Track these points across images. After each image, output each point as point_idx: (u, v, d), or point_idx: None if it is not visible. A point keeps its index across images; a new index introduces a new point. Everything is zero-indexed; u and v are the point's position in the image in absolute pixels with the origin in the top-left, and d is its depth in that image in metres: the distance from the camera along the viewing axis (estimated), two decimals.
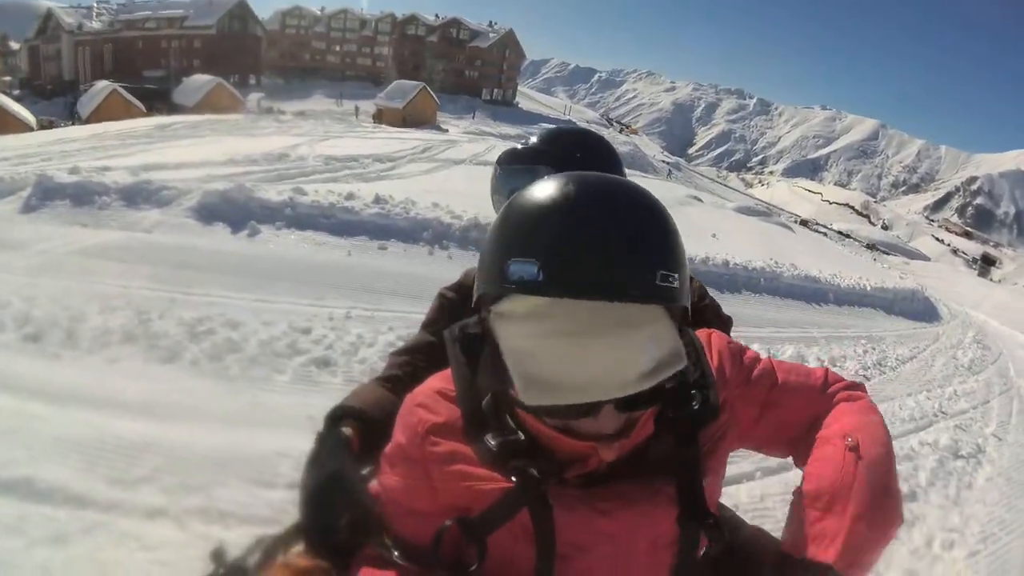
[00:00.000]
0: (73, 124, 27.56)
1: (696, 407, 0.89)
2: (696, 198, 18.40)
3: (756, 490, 3.24)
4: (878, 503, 0.87)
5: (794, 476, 3.46)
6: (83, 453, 2.60)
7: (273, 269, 5.48)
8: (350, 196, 7.51)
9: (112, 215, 6.28)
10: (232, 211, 6.61)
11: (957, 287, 22.51)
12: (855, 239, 48.17)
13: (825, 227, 48.13)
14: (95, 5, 65.30)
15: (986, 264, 58.74)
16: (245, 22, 65.57)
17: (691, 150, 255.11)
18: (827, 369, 1.07)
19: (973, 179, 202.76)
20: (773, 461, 3.86)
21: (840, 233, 48.69)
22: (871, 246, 45.21)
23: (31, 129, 25.26)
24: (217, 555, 1.02)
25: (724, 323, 1.79)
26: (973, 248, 76.58)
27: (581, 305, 0.71)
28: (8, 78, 56.29)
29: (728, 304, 7.24)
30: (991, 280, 40.20)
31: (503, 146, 1.81)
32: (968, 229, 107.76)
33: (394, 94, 52.46)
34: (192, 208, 6.56)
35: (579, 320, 0.71)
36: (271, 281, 5.16)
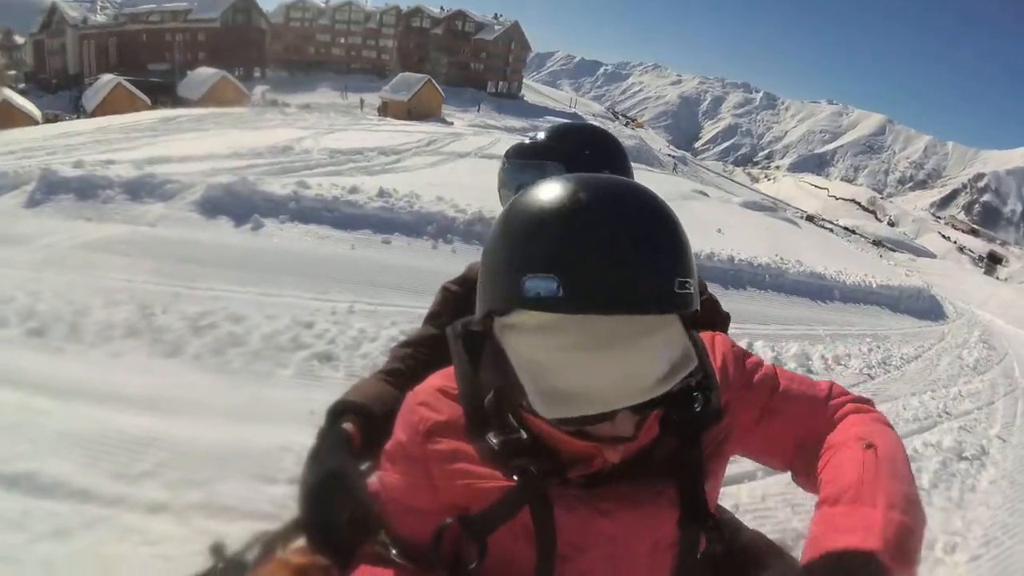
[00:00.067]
0: (78, 117, 27.55)
1: (698, 409, 0.88)
2: (702, 192, 18.36)
3: (757, 490, 3.23)
4: (909, 493, 0.84)
5: (799, 496, 3.43)
6: (86, 448, 2.61)
7: (277, 263, 5.49)
8: (354, 190, 7.51)
9: (116, 209, 6.29)
10: (236, 205, 6.62)
11: (963, 285, 22.46)
12: (861, 235, 47.96)
13: (831, 223, 47.92)
14: None
15: (992, 262, 58.56)
16: (249, 15, 65.48)
17: (697, 144, 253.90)
18: (833, 383, 1.05)
19: (980, 176, 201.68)
20: None
21: (846, 229, 48.48)
22: (877, 242, 45.08)
23: (36, 123, 25.36)
24: (216, 549, 1.02)
25: (722, 318, 1.78)
26: (979, 246, 76.28)
27: (598, 318, 0.70)
28: (13, 72, 56.24)
29: (733, 300, 7.24)
30: (997, 278, 40.11)
31: (508, 139, 1.80)
32: (975, 226, 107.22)
33: (399, 87, 52.42)
34: (196, 202, 6.58)
35: (597, 333, 0.71)
36: (274, 275, 5.17)
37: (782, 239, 13.02)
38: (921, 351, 7.96)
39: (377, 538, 0.94)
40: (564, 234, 0.72)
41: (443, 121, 41.59)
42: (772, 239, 12.40)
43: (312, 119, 20.89)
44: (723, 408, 0.92)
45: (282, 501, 2.29)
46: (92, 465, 2.50)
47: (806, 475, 0.97)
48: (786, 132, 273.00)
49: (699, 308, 0.78)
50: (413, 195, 7.73)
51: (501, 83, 75.32)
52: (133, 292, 4.37)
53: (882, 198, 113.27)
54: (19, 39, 63.95)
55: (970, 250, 71.69)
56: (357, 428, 1.16)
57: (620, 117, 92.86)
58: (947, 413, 5.49)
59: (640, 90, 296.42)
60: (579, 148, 1.61)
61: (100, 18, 62.96)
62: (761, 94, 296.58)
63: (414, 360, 1.40)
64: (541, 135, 1.70)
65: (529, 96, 79.07)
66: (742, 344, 3.96)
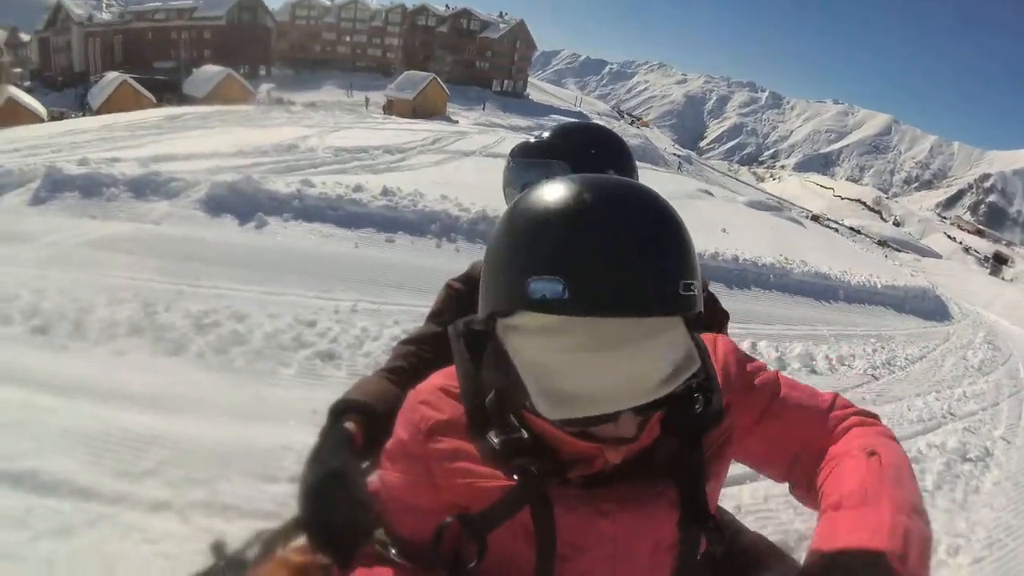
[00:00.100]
0: (84, 115, 27.62)
1: (699, 410, 0.88)
2: (707, 192, 18.31)
3: (759, 491, 3.22)
4: (915, 502, 0.83)
5: None
6: (89, 446, 2.62)
7: (280, 261, 5.50)
8: (358, 188, 7.51)
9: (121, 207, 6.30)
10: (240, 203, 6.63)
11: (968, 285, 22.36)
12: (866, 235, 47.85)
13: (836, 223, 47.81)
14: None
15: (998, 263, 58.13)
16: (255, 13, 65.56)
17: (702, 143, 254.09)
18: (837, 395, 1.04)
19: (986, 176, 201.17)
20: None
21: (851, 229, 48.37)
22: (882, 242, 44.94)
23: (42, 120, 25.40)
24: (217, 548, 1.02)
25: (721, 315, 1.78)
26: (985, 246, 75.78)
27: (604, 320, 0.70)
28: (19, 70, 56.37)
29: (737, 300, 7.23)
30: (1003, 279, 39.81)
31: (513, 138, 1.81)
32: (980, 227, 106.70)
33: (404, 85, 52.42)
34: (200, 200, 6.58)
35: (602, 335, 0.71)
36: (278, 273, 5.18)
37: (787, 239, 12.98)
38: (926, 352, 7.93)
39: (377, 537, 0.94)
40: (569, 236, 0.71)
41: (448, 119, 41.57)
42: (777, 239, 12.37)
43: (317, 117, 20.89)
44: (724, 409, 0.92)
45: (283, 500, 2.29)
46: (95, 463, 2.51)
47: (805, 488, 0.96)
48: (791, 132, 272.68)
49: (703, 310, 0.77)
50: (417, 193, 7.73)
51: (506, 82, 75.27)
52: (137, 290, 4.37)
53: (887, 198, 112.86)
54: (25, 37, 64.09)
55: (976, 250, 71.30)
56: (359, 427, 1.16)
57: (625, 116, 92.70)
58: (951, 414, 5.47)
59: (645, 89, 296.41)
60: (584, 147, 1.62)
61: (105, 16, 63.18)
62: (767, 93, 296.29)
63: (417, 358, 1.41)
64: (546, 134, 1.71)
65: (534, 95, 79.04)
66: (746, 344, 3.99)
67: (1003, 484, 4.23)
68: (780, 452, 0.99)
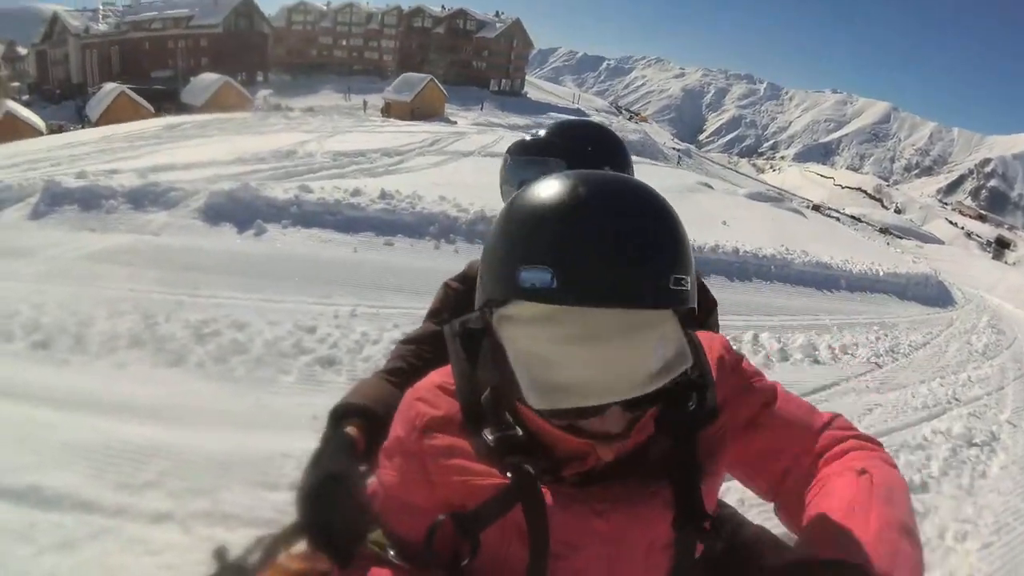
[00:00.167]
0: (83, 127, 27.68)
1: (693, 407, 0.87)
2: (707, 185, 18.26)
3: None
4: (906, 523, 0.81)
5: None
6: (91, 459, 2.62)
7: (279, 268, 5.50)
8: (356, 192, 7.51)
9: (120, 219, 6.31)
10: (238, 211, 6.63)
11: (971, 270, 22.31)
12: (868, 223, 47.68)
13: (837, 211, 47.65)
14: (100, 7, 65.58)
15: (1000, 247, 58.01)
16: (251, 19, 65.64)
17: (701, 136, 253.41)
18: (838, 416, 1.02)
19: (986, 161, 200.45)
20: None
21: (853, 217, 48.20)
22: (884, 230, 44.81)
23: (41, 134, 25.44)
24: (219, 554, 1.02)
25: (709, 303, 1.77)
26: (987, 231, 75.42)
27: (592, 311, 0.70)
28: (17, 84, 56.49)
29: (738, 292, 7.22)
30: (1006, 263, 39.72)
31: (512, 137, 1.83)
32: (982, 212, 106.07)
33: (402, 87, 52.44)
34: (199, 209, 6.59)
35: (591, 326, 0.71)
36: (277, 280, 5.18)
37: (788, 229, 12.96)
38: (929, 338, 7.91)
39: (375, 539, 0.94)
40: (560, 227, 0.72)
41: (447, 120, 41.57)
42: (777, 230, 12.34)
43: (316, 122, 20.89)
44: (719, 407, 0.91)
45: (284, 508, 2.27)
46: (97, 476, 2.51)
47: (793, 509, 0.93)
48: (790, 122, 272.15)
49: (695, 305, 0.77)
50: (415, 196, 7.72)
51: (504, 81, 75.23)
52: (137, 302, 4.38)
53: (888, 186, 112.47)
54: (22, 50, 64.23)
55: (978, 235, 71.00)
56: (360, 431, 1.16)
57: (624, 112, 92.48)
58: (956, 399, 5.46)
59: (643, 84, 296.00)
60: (581, 144, 1.63)
61: (102, 27, 63.10)
62: (765, 85, 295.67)
63: (416, 357, 1.41)
64: (543, 132, 1.73)
65: (532, 93, 78.93)
66: (748, 336, 3.99)
67: (1010, 468, 4.21)
68: (767, 466, 0.97)
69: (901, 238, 40.74)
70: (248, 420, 3.08)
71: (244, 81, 54.67)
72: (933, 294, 11.13)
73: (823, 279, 9.47)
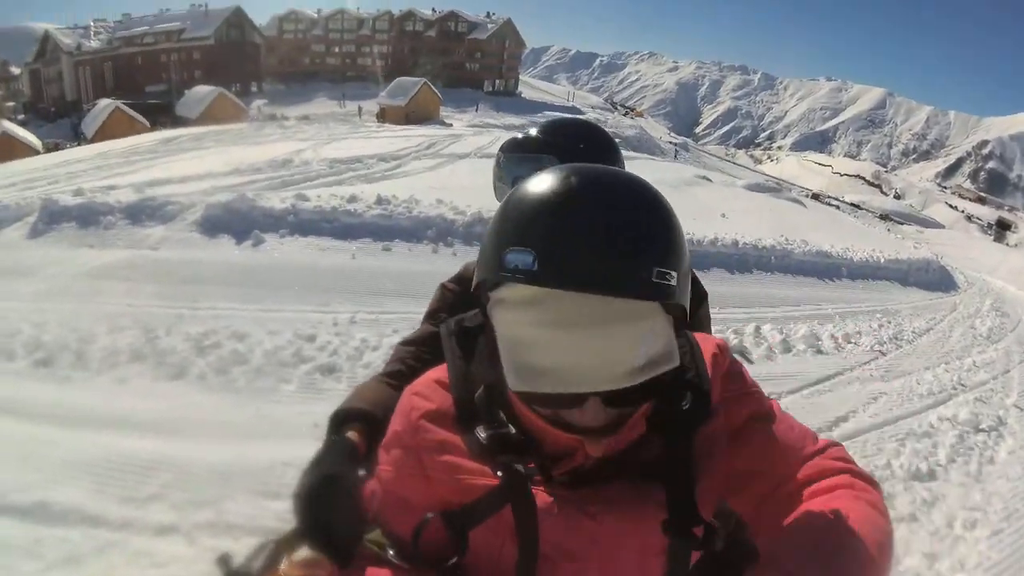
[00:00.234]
0: (79, 144, 27.67)
1: (687, 407, 0.86)
2: (705, 178, 18.25)
3: None
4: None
5: None
6: (94, 474, 2.64)
7: (278, 278, 5.50)
8: (352, 199, 7.51)
9: (118, 234, 6.32)
10: (235, 222, 6.63)
11: (972, 253, 22.34)
12: (867, 210, 47.61)
13: (837, 200, 47.65)
14: (92, 24, 65.78)
15: (1001, 229, 58.01)
16: (243, 30, 65.78)
17: (698, 129, 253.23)
18: (837, 445, 0.96)
19: (984, 143, 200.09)
20: None
21: (852, 205, 48.17)
22: (884, 216, 44.77)
23: (38, 152, 25.49)
24: (223, 561, 1.02)
25: (699, 295, 1.75)
26: (987, 213, 75.37)
27: (574, 296, 0.70)
28: (12, 103, 56.76)
29: (739, 284, 7.19)
30: (1007, 245, 39.73)
31: (508, 137, 1.85)
32: (981, 194, 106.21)
33: (396, 92, 52.46)
34: (196, 222, 6.60)
35: (571, 311, 0.70)
36: (276, 290, 5.20)
37: (787, 220, 12.95)
38: (933, 323, 7.91)
39: (375, 539, 0.94)
40: (546, 211, 0.72)
41: (442, 123, 41.66)
42: (777, 220, 12.34)
43: (311, 130, 20.88)
44: (715, 408, 0.89)
45: (286, 516, 2.28)
46: (101, 491, 2.53)
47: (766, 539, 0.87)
48: (786, 112, 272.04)
49: (686, 305, 0.76)
50: (412, 200, 7.73)
51: (498, 81, 75.33)
52: (137, 317, 4.39)
53: (887, 172, 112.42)
54: (15, 70, 64.44)
55: (978, 218, 70.93)
56: (361, 436, 1.16)
57: (619, 107, 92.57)
58: (962, 385, 5.46)
59: (637, 79, 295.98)
60: (573, 142, 1.65)
61: (94, 43, 63.24)
62: (759, 75, 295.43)
63: (415, 359, 1.40)
64: (534, 130, 1.74)
65: (527, 92, 78.98)
66: (750, 328, 3.99)
67: (1018, 453, 4.21)
68: (745, 487, 0.92)
69: (902, 224, 40.71)
70: (249, 430, 3.09)
71: (238, 92, 54.78)
72: (935, 279, 11.13)
73: (824, 268, 9.47)
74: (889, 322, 7.50)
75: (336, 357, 4.07)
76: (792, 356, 5.62)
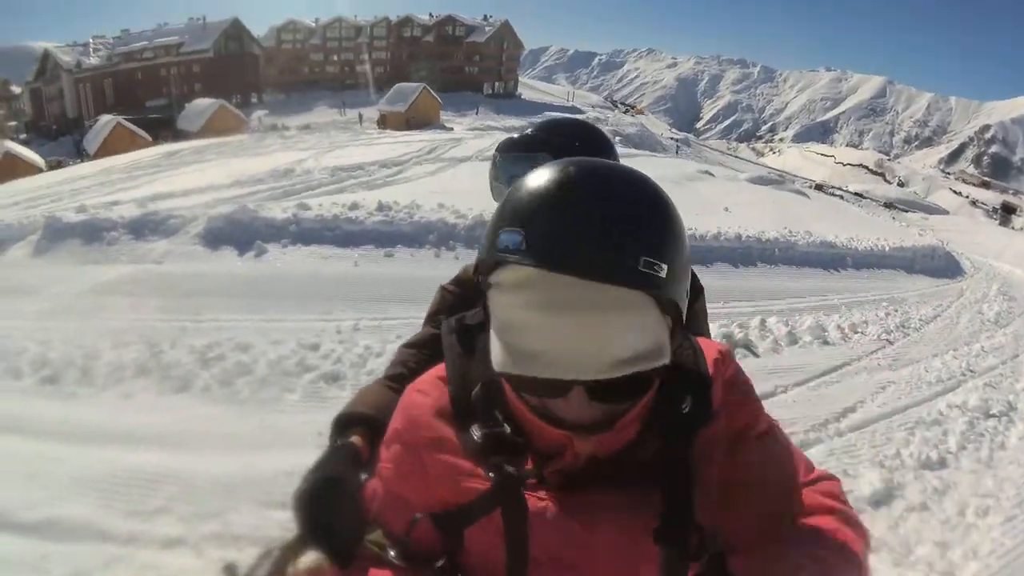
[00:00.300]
0: (81, 161, 27.84)
1: (687, 410, 0.84)
2: (707, 172, 18.27)
3: None
4: None
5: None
6: (101, 489, 2.65)
7: (280, 287, 5.53)
8: (354, 206, 7.53)
9: (121, 249, 6.35)
10: (238, 233, 6.66)
11: (978, 238, 22.20)
12: (871, 199, 47.49)
13: (840, 190, 47.55)
14: (91, 41, 66.19)
15: (1006, 212, 57.80)
16: (241, 42, 66.07)
17: (699, 124, 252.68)
18: (831, 478, 0.95)
19: (986, 128, 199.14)
20: (793, 441, 3.81)
21: (856, 194, 48.03)
22: (888, 205, 44.62)
23: (41, 171, 25.57)
24: (229, 570, 1.02)
25: (695, 289, 1.74)
26: (992, 197, 75.08)
27: (562, 279, 0.69)
28: (13, 123, 57.14)
29: (743, 278, 7.15)
30: (1013, 228, 39.51)
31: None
32: (985, 179, 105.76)
33: (395, 98, 52.51)
34: (199, 234, 6.63)
35: (560, 295, 0.70)
36: (279, 300, 5.21)
37: (790, 211, 12.93)
38: (940, 310, 7.87)
39: (376, 540, 0.94)
40: (539, 195, 0.73)
41: (443, 127, 41.65)
42: (780, 212, 12.32)
43: (312, 139, 20.99)
44: (716, 412, 0.87)
45: (291, 525, 2.28)
46: (107, 506, 2.54)
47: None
48: (787, 103, 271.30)
49: (680, 301, 0.76)
50: (414, 205, 7.74)
51: (497, 84, 75.38)
52: (141, 331, 4.41)
53: (890, 160, 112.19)
54: (16, 89, 64.83)
55: (983, 203, 70.64)
56: (364, 440, 1.16)
57: (619, 105, 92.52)
58: (971, 371, 5.42)
59: (636, 76, 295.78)
60: (569, 140, 1.64)
61: (93, 60, 63.63)
62: (758, 68, 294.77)
63: (416, 361, 1.41)
64: (530, 130, 1.76)
65: (526, 94, 79.07)
66: (755, 321, 3.95)
67: None
68: (739, 498, 0.89)
69: (906, 211, 40.50)
70: (254, 441, 3.09)
71: (239, 103, 55.05)
72: (941, 265, 11.08)
73: (829, 258, 9.44)
74: (896, 310, 7.45)
75: (340, 365, 4.07)
76: (798, 348, 5.59)
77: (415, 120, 46.57)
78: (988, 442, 4.02)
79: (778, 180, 21.64)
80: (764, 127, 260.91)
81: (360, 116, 51.37)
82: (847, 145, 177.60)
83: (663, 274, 0.71)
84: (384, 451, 0.96)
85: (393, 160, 13.63)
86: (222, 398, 3.63)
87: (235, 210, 7.00)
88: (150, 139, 35.65)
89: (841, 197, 33.80)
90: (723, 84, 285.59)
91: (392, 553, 0.90)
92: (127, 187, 10.97)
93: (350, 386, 3.81)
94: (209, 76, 60.85)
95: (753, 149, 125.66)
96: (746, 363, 5.00)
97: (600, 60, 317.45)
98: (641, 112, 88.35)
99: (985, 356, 5.96)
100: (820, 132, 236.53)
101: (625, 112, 78.03)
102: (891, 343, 6.15)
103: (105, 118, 40.87)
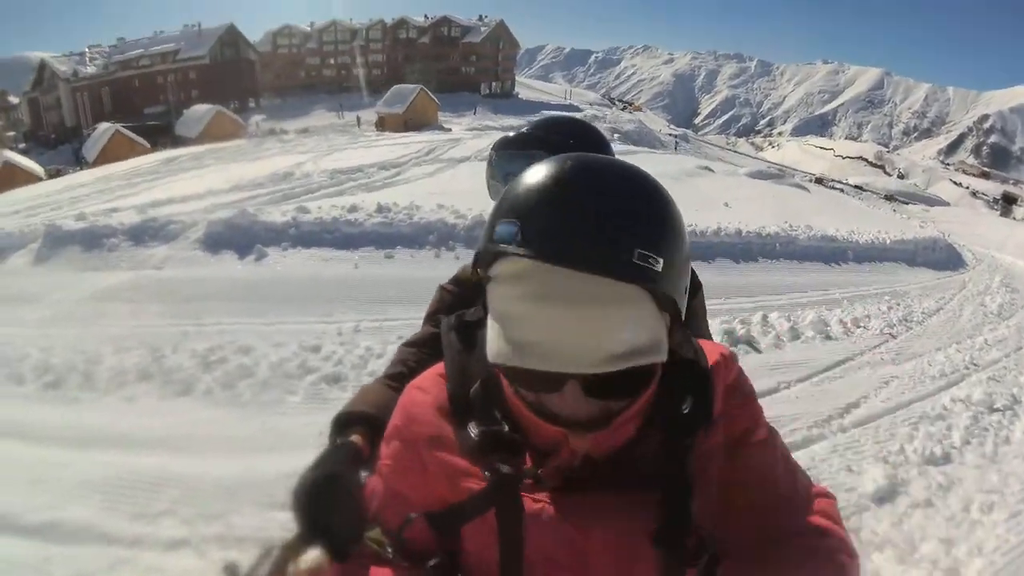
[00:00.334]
0: (80, 169, 27.83)
1: (687, 411, 0.83)
2: (707, 168, 18.22)
3: None
4: None
5: (826, 467, 3.37)
6: (104, 493, 2.66)
7: (281, 290, 5.53)
8: (353, 208, 7.53)
9: (121, 256, 6.35)
10: (237, 237, 6.66)
11: (979, 229, 22.12)
12: (871, 191, 47.42)
13: (840, 183, 47.49)
14: (87, 50, 66.23)
15: (1007, 203, 57.76)
16: (237, 47, 66.14)
17: (697, 120, 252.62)
18: (828, 496, 0.95)
19: (985, 117, 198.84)
20: (795, 438, 3.79)
21: (856, 187, 47.95)
22: (889, 197, 44.48)
23: (40, 180, 25.60)
24: (229, 570, 1.02)
25: (692, 285, 1.74)
26: (992, 188, 75.01)
27: (557, 272, 0.69)
28: (12, 133, 57.22)
29: (744, 273, 7.15)
30: (1014, 219, 39.45)
31: None
32: (985, 169, 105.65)
33: (393, 100, 52.59)
34: (199, 240, 6.63)
35: (555, 287, 0.70)
36: (280, 303, 5.22)
37: (790, 206, 12.91)
38: (942, 303, 7.85)
39: (374, 537, 0.93)
40: (536, 188, 0.73)
41: (441, 128, 41.67)
42: (780, 207, 12.31)
43: (311, 143, 20.92)
44: (716, 418, 0.87)
45: (292, 525, 2.29)
46: (110, 509, 2.55)
47: None
48: (784, 97, 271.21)
49: (678, 298, 0.76)
50: (413, 206, 7.75)
51: (494, 83, 75.46)
52: (143, 336, 4.41)
53: (889, 152, 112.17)
54: (14, 99, 64.90)
55: (983, 193, 70.63)
56: (364, 439, 1.15)
57: (617, 103, 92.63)
58: (974, 364, 5.41)
59: (633, 73, 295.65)
60: (564, 139, 1.64)
61: (90, 69, 63.67)
62: (755, 62, 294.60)
63: (416, 360, 1.41)
64: (526, 128, 1.76)
65: (524, 93, 79.14)
66: (757, 317, 3.94)
67: None
68: (737, 499, 0.89)
69: (907, 203, 40.40)
70: (256, 443, 3.11)
71: (236, 109, 55.11)
72: (943, 257, 11.06)
73: (830, 252, 9.44)
74: (898, 304, 7.45)
75: (341, 366, 4.08)
76: (801, 343, 5.58)
77: (413, 121, 46.62)
78: (992, 437, 4.01)
79: (778, 174, 21.64)
80: (762, 121, 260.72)
81: (358, 119, 51.51)
82: (846, 138, 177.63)
83: (659, 268, 0.71)
84: (384, 448, 0.96)
85: (392, 162, 13.62)
86: (224, 401, 3.64)
87: (235, 214, 7.01)
88: (148, 146, 35.69)
89: (841, 190, 33.73)
90: (720, 79, 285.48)
91: (391, 551, 0.90)
92: (126, 194, 10.94)
93: (351, 387, 3.80)
94: (206, 82, 60.93)
95: (752, 144, 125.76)
96: (748, 359, 5.02)
97: (596, 58, 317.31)
98: (639, 109, 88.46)
99: (988, 349, 5.95)
100: (818, 125, 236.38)
101: (623, 109, 78.16)
102: (894, 337, 6.14)
103: (103, 126, 40.90)
